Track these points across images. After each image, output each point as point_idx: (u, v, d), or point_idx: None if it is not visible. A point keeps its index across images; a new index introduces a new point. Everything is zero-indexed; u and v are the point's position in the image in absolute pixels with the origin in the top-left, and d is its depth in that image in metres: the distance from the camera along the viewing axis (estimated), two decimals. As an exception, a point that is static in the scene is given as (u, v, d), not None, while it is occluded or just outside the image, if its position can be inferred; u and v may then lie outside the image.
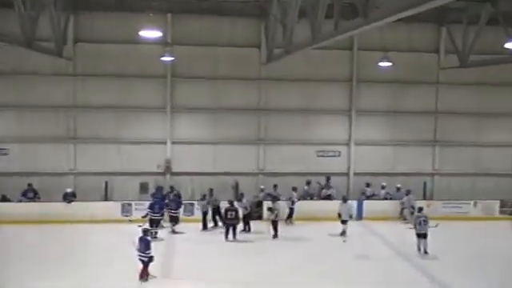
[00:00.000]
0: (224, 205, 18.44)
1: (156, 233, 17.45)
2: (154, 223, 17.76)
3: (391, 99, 23.19)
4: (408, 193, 20.95)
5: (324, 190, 21.83)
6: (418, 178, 22.78)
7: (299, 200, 20.62)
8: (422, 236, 16.37)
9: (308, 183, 21.88)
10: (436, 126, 23.55)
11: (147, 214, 17.91)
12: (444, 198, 22.27)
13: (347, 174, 23.15)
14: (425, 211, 17.04)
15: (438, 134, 23.57)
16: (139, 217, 18.05)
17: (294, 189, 20.80)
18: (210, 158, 22.43)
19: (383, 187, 21.96)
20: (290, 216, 20.20)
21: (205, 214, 19.13)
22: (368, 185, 22.14)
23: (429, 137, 23.59)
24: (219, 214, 18.96)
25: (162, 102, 22.13)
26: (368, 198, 21.78)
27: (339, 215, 18.24)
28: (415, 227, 16.54)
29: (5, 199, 20.41)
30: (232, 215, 17.51)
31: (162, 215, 18.62)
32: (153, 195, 19.75)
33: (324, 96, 22.86)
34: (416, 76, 23.00)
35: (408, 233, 17.00)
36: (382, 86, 23.00)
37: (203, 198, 19.29)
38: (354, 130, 23.05)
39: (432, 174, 23.60)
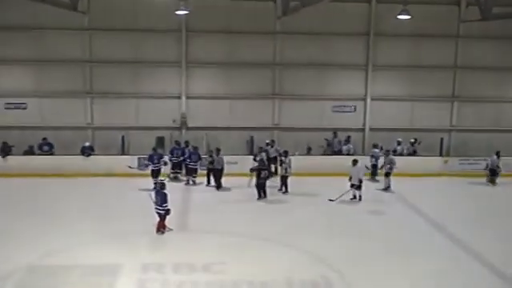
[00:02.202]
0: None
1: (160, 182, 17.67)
2: (155, 173, 18.13)
3: (409, 53, 22.75)
4: (498, 154, 20.02)
5: (345, 147, 21.68)
6: (435, 134, 22.59)
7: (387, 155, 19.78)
8: (389, 174, 18.59)
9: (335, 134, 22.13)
10: (455, 81, 23.15)
11: (147, 165, 18.45)
12: (461, 155, 22.08)
13: (363, 130, 23.05)
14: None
15: (457, 90, 23.19)
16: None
17: (376, 145, 20.47)
18: (225, 113, 22.44)
19: (399, 143, 21.77)
20: (373, 173, 19.79)
21: (210, 169, 18.91)
22: (399, 143, 21.62)
23: (447, 92, 23.24)
24: (221, 175, 18.51)
25: (177, 57, 22.01)
26: (401, 154, 21.31)
27: (350, 178, 17.16)
28: (391, 168, 18.53)
29: (31, 151, 20.87)
30: (265, 174, 17.25)
31: (167, 164, 19.16)
32: (172, 151, 19.87)
33: (340, 50, 22.50)
34: (435, 29, 22.43)
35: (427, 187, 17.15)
36: (400, 39, 22.54)
37: (210, 155, 18.87)
38: (371, 84, 22.77)
39: (449, 130, 23.38)
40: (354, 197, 17.12)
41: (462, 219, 15.41)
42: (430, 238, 13.95)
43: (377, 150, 20.28)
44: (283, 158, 18.24)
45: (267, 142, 20.89)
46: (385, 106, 22.97)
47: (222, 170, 18.52)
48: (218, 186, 18.45)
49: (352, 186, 17.07)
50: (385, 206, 16.82)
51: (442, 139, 22.26)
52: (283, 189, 18.12)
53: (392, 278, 11.14)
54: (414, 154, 21.74)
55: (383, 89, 22.90)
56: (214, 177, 18.65)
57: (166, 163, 18.92)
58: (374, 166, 20.09)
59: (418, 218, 15.67)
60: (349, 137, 22.15)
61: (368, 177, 19.56)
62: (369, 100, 22.88)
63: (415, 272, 11.41)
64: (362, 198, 17.13)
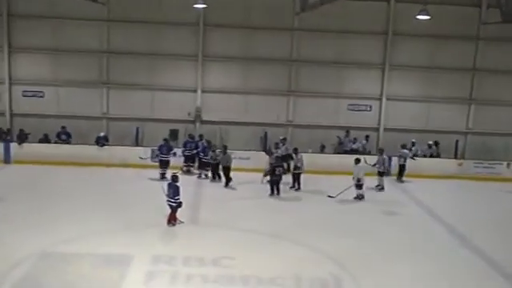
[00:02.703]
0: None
1: (164, 174, 18.13)
2: (163, 164, 18.60)
3: (427, 54, 22.54)
4: None
5: (355, 145, 21.63)
6: (451, 136, 22.35)
7: (413, 157, 20.15)
8: (383, 174, 18.68)
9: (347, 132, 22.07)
10: (473, 83, 22.89)
11: (157, 155, 18.93)
12: (476, 158, 21.80)
13: (377, 129, 22.94)
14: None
15: (475, 92, 22.93)
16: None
17: (404, 146, 20.17)
18: (239, 108, 22.46)
19: (414, 144, 21.53)
20: (400, 173, 19.64)
21: (214, 165, 18.86)
22: (414, 144, 21.32)
23: (464, 94, 22.99)
24: (228, 172, 18.31)
25: (193, 50, 22.06)
26: (415, 155, 20.99)
27: (354, 177, 17.05)
28: (384, 168, 18.58)
29: (47, 139, 21.05)
30: (280, 171, 17.17)
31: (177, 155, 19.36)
32: (185, 144, 19.95)
33: (357, 49, 22.35)
34: (455, 31, 22.18)
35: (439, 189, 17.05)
36: (419, 40, 22.33)
37: (214, 150, 18.88)
38: (387, 84, 22.61)
39: (465, 133, 23.15)
40: (357, 196, 17.08)
41: (471, 222, 15.28)
42: (439, 238, 13.86)
43: (405, 151, 20.05)
44: (293, 156, 18.22)
45: (280, 138, 20.84)
46: (400, 106, 22.81)
47: (229, 167, 18.32)
48: (226, 183, 18.30)
49: (355, 185, 17.01)
50: (396, 207, 16.74)
51: (457, 141, 22.04)
52: (295, 186, 18.10)
53: (400, 277, 11.09)
54: (431, 156, 21.44)
55: (399, 89, 22.74)
56: (218, 173, 18.71)
57: (175, 154, 19.07)
58: (403, 167, 19.86)
59: (429, 219, 15.60)
60: (367, 136, 22.05)
61: (395, 177, 19.86)
62: (384, 99, 22.74)
63: (423, 272, 11.35)
64: (365, 197, 17.08)
